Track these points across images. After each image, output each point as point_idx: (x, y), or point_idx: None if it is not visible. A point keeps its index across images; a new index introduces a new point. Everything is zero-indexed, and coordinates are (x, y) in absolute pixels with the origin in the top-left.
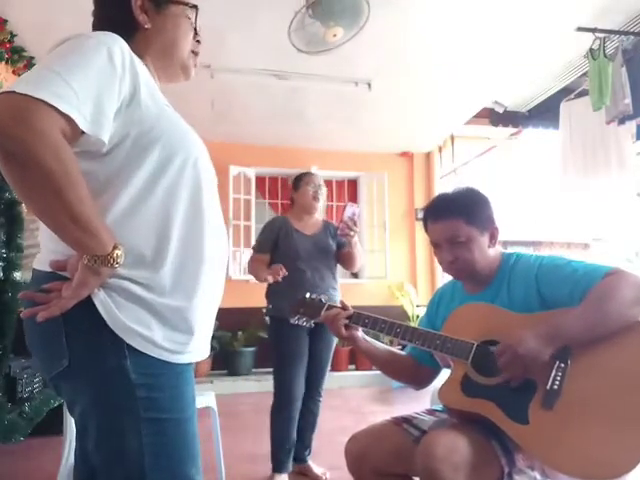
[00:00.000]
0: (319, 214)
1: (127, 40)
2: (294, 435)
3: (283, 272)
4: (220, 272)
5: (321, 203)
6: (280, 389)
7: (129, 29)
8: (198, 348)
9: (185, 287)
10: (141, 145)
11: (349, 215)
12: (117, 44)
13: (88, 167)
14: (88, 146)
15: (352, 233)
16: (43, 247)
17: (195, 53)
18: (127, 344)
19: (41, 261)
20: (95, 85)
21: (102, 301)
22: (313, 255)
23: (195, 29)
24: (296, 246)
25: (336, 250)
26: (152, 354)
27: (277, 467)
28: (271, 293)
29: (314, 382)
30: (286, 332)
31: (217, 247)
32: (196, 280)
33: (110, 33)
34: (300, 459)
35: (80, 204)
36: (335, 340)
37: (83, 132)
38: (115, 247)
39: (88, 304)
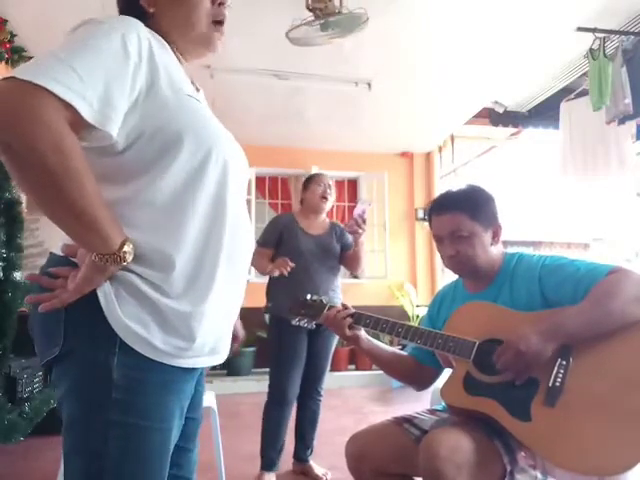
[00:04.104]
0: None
1: (146, 24)
2: (285, 435)
3: (290, 265)
4: (241, 278)
5: (329, 203)
6: (275, 388)
7: (139, 16)
8: (204, 355)
9: (196, 293)
10: (159, 141)
11: (359, 212)
12: (134, 30)
13: (104, 164)
14: (99, 141)
15: (360, 231)
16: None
17: (218, 22)
18: (121, 341)
19: (58, 245)
20: (103, 73)
21: (105, 293)
22: (316, 255)
23: None
24: (299, 245)
25: (340, 252)
26: (147, 354)
27: (267, 465)
28: (271, 291)
29: (313, 381)
30: (285, 331)
31: (239, 252)
32: (209, 287)
33: (129, 18)
34: (301, 459)
35: (83, 200)
36: (335, 340)
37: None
38: (123, 244)
39: (92, 294)
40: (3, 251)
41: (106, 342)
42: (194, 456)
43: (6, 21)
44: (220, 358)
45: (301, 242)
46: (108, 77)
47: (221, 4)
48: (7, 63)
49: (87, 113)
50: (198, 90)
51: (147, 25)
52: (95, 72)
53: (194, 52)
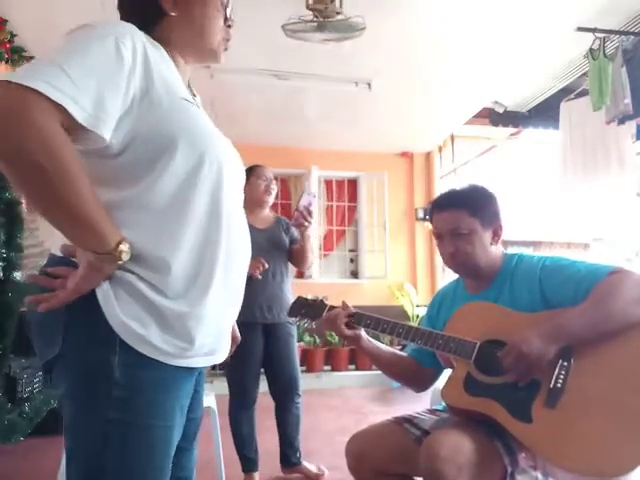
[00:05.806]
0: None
1: (150, 27)
2: (256, 433)
3: (265, 267)
4: (239, 279)
5: (272, 197)
6: (237, 388)
7: (153, 16)
8: (201, 355)
9: (194, 294)
10: (153, 144)
11: (305, 204)
12: (128, 35)
13: (101, 167)
14: (93, 144)
15: (306, 224)
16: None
17: (226, 39)
18: (120, 340)
19: (58, 246)
20: (96, 76)
21: (104, 292)
22: (265, 250)
23: (226, 15)
24: None
25: (289, 245)
26: (146, 353)
27: (250, 467)
28: None
29: (287, 384)
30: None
31: (236, 254)
32: (207, 288)
33: (123, 23)
34: (292, 463)
35: (77, 199)
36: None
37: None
38: (119, 243)
39: (91, 294)
40: (3, 251)
41: (106, 341)
42: (194, 456)
43: (6, 21)
44: (218, 358)
45: (250, 237)
46: (101, 80)
47: (229, 26)
48: (7, 63)
49: (80, 116)
50: (195, 95)
51: (155, 26)
52: (88, 75)
53: (198, 60)
